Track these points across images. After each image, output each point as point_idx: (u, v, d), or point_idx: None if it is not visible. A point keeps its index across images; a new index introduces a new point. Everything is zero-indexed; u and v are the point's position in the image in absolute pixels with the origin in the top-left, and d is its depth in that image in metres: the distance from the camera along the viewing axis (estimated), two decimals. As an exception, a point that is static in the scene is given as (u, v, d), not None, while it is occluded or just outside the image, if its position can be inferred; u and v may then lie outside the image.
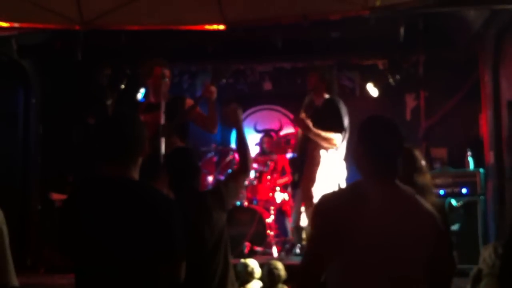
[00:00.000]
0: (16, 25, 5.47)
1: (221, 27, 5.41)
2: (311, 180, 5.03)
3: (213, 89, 4.65)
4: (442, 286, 2.32)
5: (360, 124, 2.40)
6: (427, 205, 2.30)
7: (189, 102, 4.93)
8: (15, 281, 2.53)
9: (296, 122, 5.61)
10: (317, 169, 5.00)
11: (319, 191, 4.82)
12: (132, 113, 2.75)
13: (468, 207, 5.43)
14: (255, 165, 6.27)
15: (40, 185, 6.73)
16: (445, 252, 2.28)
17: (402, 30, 6.07)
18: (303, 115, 5.10)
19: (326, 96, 5.42)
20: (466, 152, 6.01)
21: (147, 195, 2.31)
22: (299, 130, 5.49)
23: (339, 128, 5.12)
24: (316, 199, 4.67)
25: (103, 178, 2.35)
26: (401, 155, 2.28)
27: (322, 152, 5.05)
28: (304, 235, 5.25)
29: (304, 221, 5.26)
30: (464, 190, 5.50)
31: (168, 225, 2.28)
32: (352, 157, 2.42)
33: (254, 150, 6.84)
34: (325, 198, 2.36)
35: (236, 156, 7.08)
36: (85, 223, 2.29)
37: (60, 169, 6.74)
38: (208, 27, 5.47)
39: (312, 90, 5.45)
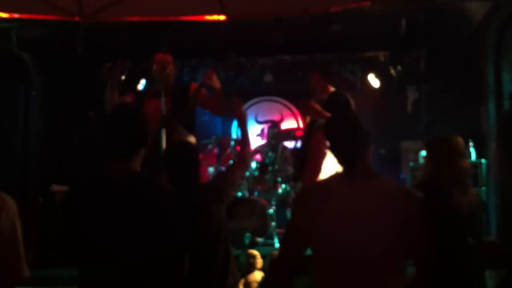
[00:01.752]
0: (16, 16, 5.46)
1: (222, 17, 5.40)
2: (316, 172, 4.98)
3: (214, 76, 4.61)
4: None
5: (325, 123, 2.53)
6: (405, 191, 2.33)
7: (194, 86, 4.88)
8: (27, 272, 2.52)
9: (306, 110, 5.54)
10: (322, 161, 4.95)
11: None
12: (134, 106, 2.75)
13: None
14: (257, 156, 6.26)
15: (41, 179, 6.71)
16: (423, 236, 2.25)
17: (403, 23, 6.08)
18: (312, 102, 5.06)
19: (331, 89, 5.41)
20: (468, 144, 5.99)
21: (150, 194, 2.31)
22: (306, 122, 5.45)
23: None
24: None
25: (105, 177, 2.36)
26: (365, 149, 2.33)
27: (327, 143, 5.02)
28: None
29: None
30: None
31: (171, 223, 2.28)
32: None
33: (255, 140, 6.84)
34: (301, 191, 2.53)
35: (238, 147, 7.10)
36: (86, 223, 2.28)
37: (61, 163, 6.73)
38: (208, 17, 5.47)
39: (315, 90, 5.42)
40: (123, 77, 6.53)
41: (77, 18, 5.72)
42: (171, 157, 3.27)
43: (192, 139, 4.92)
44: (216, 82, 4.66)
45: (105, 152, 2.37)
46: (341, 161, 2.36)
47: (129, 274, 2.23)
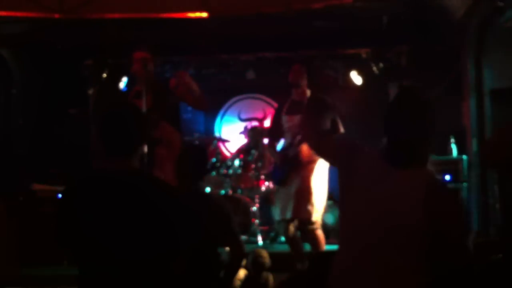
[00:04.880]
0: (-4, 12, 5.39)
1: (204, 14, 5.38)
2: (309, 175, 4.89)
3: (185, 76, 4.67)
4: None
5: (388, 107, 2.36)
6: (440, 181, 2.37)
7: (173, 82, 4.89)
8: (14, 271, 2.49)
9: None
10: (314, 165, 4.91)
11: (318, 187, 4.74)
12: (131, 104, 2.75)
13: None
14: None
15: (22, 177, 6.62)
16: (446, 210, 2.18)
17: (385, 19, 6.09)
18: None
19: (308, 92, 5.40)
20: (449, 140, 6.04)
21: (151, 191, 2.30)
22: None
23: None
24: (315, 194, 4.66)
25: (104, 174, 2.34)
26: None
27: None
28: (291, 228, 5.05)
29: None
30: (447, 177, 5.53)
31: (171, 220, 2.28)
32: None
33: (238, 138, 6.83)
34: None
35: (220, 145, 7.09)
36: (85, 220, 2.26)
37: (42, 161, 6.65)
38: (190, 14, 5.44)
39: (293, 84, 5.34)
40: (104, 75, 6.51)
41: (57, 15, 5.66)
42: (185, 155, 3.36)
43: (177, 135, 4.91)
44: (188, 81, 4.70)
45: (104, 150, 2.35)
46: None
47: (128, 272, 2.22)
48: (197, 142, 4.49)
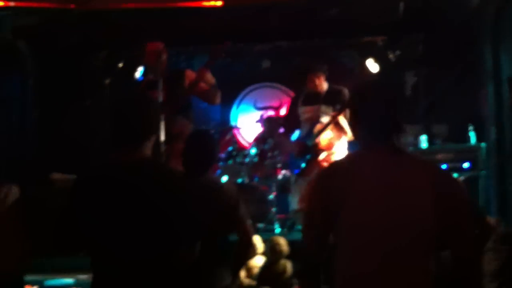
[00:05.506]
0: (11, 4, 5.42)
1: (219, 3, 5.36)
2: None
3: (207, 74, 4.70)
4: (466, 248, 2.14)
5: (352, 94, 2.37)
6: (428, 164, 2.24)
7: (189, 74, 4.92)
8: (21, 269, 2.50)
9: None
10: (332, 156, 4.94)
11: None
12: (142, 93, 2.75)
13: (470, 182, 5.41)
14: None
15: (37, 168, 6.66)
16: (458, 206, 2.14)
17: (401, 7, 6.04)
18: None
19: (326, 85, 5.42)
20: (467, 128, 5.99)
21: (162, 178, 2.30)
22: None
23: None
24: None
25: (116, 163, 2.34)
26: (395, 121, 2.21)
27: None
28: None
29: None
30: (465, 165, 5.49)
31: (182, 207, 2.28)
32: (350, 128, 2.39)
33: (255, 127, 6.83)
34: (322, 171, 2.34)
35: (236, 133, 7.10)
36: (96, 211, 2.27)
37: (58, 152, 6.67)
38: (205, 3, 5.43)
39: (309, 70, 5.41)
40: (120, 65, 6.53)
41: (72, 6, 5.68)
42: (191, 143, 3.30)
43: (189, 127, 4.93)
44: (209, 79, 4.76)
45: (115, 139, 2.36)
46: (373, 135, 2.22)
47: (135, 263, 2.23)
48: (204, 130, 4.47)
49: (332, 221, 2.13)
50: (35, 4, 5.59)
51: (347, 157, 2.36)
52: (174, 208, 2.25)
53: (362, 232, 2.09)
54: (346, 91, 5.46)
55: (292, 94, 7.14)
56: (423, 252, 2.09)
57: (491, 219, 3.95)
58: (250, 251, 3.39)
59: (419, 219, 2.07)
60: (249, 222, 3.25)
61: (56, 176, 5.54)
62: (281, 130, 6.22)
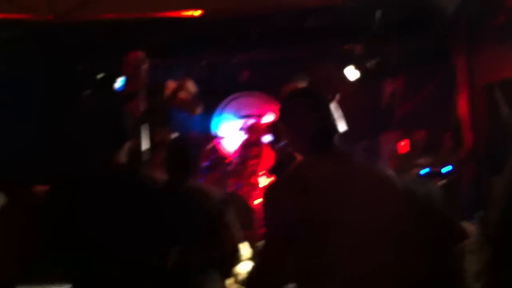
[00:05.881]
0: (-13, 15, 5.37)
1: (197, 13, 5.39)
2: None
3: (187, 83, 4.71)
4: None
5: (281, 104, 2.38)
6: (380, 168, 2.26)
7: (170, 85, 4.92)
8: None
9: None
10: None
11: None
12: (114, 103, 2.78)
13: (449, 187, 5.49)
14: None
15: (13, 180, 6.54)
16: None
17: (377, 15, 6.15)
18: None
19: None
20: (445, 134, 6.10)
21: (138, 187, 2.35)
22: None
23: None
24: None
25: (91, 172, 2.37)
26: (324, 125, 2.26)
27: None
28: None
29: None
30: (445, 169, 5.58)
31: (161, 215, 2.31)
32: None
33: (238, 135, 6.85)
34: (269, 188, 2.30)
35: (217, 143, 7.10)
36: (84, 223, 2.28)
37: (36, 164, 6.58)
38: (184, 13, 5.45)
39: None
40: (99, 76, 6.49)
41: (50, 17, 5.65)
42: (173, 149, 3.32)
43: (171, 136, 4.92)
44: (190, 88, 4.77)
45: (89, 148, 2.36)
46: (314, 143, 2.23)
47: (124, 269, 2.23)
48: (186, 136, 4.49)
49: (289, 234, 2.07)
50: (11, 16, 5.54)
51: (293, 169, 2.26)
52: (152, 216, 2.26)
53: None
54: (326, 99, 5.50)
55: (275, 101, 7.17)
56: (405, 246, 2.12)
57: (468, 224, 4.01)
58: (237, 258, 3.38)
59: (381, 215, 2.11)
60: (236, 228, 3.24)
61: (38, 188, 5.47)
62: (269, 137, 6.26)
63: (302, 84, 5.56)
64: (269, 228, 2.19)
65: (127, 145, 2.41)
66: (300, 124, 2.24)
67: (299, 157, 2.27)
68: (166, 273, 2.36)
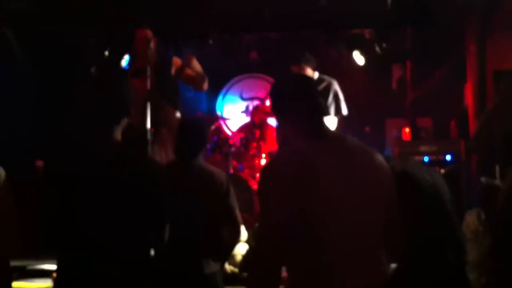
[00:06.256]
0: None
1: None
2: None
3: (193, 60, 4.74)
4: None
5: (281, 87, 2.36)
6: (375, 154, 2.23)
7: (176, 61, 4.94)
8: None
9: None
10: None
11: None
12: (117, 77, 2.77)
13: (452, 174, 5.47)
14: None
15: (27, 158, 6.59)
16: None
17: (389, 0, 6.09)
18: None
19: (314, 74, 5.42)
20: (451, 122, 6.06)
21: (134, 165, 2.32)
22: None
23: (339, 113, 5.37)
24: None
25: (86, 148, 2.34)
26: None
27: None
28: None
29: None
30: (448, 157, 5.55)
31: (156, 192, 2.30)
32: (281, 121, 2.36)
33: (240, 117, 6.84)
34: (271, 163, 2.27)
35: (221, 123, 7.12)
36: (68, 197, 2.27)
37: (48, 141, 6.62)
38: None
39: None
40: (106, 53, 6.50)
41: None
42: (183, 129, 3.31)
43: (178, 115, 4.96)
44: (196, 66, 4.80)
45: (86, 123, 2.36)
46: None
47: (110, 248, 2.24)
48: (195, 117, 4.57)
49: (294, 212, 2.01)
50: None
51: (292, 150, 2.21)
52: (146, 193, 2.27)
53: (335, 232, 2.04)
54: (334, 82, 5.50)
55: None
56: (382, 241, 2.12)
57: (468, 213, 4.01)
58: (238, 239, 3.41)
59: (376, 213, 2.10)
60: (238, 210, 3.26)
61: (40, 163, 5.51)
62: (269, 119, 6.27)
63: (306, 67, 5.51)
64: (268, 222, 2.10)
65: (125, 122, 2.40)
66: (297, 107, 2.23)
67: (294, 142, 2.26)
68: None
